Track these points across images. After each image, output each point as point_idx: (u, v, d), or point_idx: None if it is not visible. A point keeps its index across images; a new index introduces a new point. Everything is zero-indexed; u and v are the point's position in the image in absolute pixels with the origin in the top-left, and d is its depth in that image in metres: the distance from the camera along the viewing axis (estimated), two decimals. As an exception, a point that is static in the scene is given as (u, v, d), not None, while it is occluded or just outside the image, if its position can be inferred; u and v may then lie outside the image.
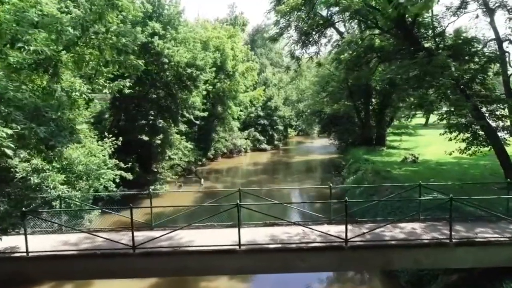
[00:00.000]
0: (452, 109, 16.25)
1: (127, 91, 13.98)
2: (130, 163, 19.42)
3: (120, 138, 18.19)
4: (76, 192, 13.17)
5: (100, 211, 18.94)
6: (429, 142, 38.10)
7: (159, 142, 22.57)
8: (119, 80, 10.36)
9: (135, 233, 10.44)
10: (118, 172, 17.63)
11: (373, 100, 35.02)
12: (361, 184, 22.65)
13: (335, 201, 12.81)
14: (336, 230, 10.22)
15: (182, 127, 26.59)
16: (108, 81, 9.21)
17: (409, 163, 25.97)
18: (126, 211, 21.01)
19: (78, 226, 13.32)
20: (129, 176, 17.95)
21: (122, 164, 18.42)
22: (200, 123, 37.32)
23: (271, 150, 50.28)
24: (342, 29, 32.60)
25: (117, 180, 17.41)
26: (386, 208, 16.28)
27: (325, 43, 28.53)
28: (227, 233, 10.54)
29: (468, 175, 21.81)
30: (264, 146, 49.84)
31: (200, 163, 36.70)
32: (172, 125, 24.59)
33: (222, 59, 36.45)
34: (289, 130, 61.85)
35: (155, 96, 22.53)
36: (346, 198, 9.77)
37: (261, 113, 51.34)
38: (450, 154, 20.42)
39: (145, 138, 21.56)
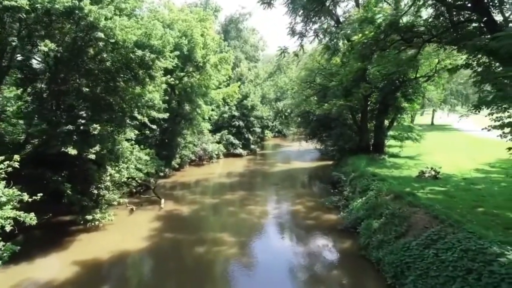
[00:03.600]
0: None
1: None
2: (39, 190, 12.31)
3: (17, 157, 11.16)
4: None
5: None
6: (431, 149, 33.02)
7: (93, 156, 15.45)
8: None
9: None
10: (12, 214, 10.60)
11: (372, 99, 29.34)
12: (379, 212, 16.67)
13: None
14: None
15: (132, 133, 19.56)
16: None
17: (429, 180, 20.37)
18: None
19: None
20: (31, 219, 10.93)
21: (25, 196, 11.39)
22: (162, 125, 30.38)
23: (247, 156, 43.83)
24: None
25: (7, 228, 10.39)
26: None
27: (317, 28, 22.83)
28: None
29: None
30: (239, 151, 43.28)
31: (162, 174, 29.65)
32: (117, 131, 17.55)
33: (190, 47, 29.60)
34: (266, 131, 55.57)
35: (88, 89, 15.41)
36: None
37: (236, 113, 44.70)
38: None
39: (72, 151, 14.43)
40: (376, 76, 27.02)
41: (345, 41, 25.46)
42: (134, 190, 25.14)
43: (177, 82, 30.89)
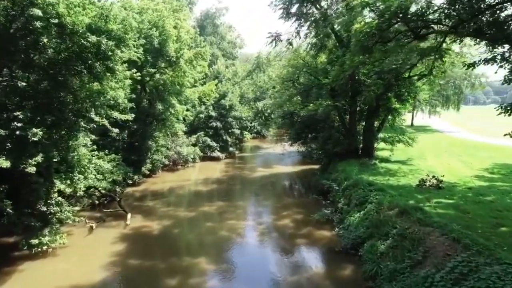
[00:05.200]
0: None
1: None
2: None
3: None
4: None
5: None
6: (420, 152, 31.24)
7: (33, 168, 12.22)
8: None
9: None
10: None
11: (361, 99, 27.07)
12: (383, 231, 14.26)
13: None
14: None
15: (88, 138, 16.30)
16: None
17: (432, 190, 18.20)
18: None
19: None
20: None
21: None
22: (131, 127, 27.10)
23: (225, 159, 40.90)
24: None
25: None
26: None
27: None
28: None
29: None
30: (216, 154, 40.29)
31: (131, 182, 26.39)
32: (68, 136, 14.30)
33: (162, 39, 26.49)
34: (245, 133, 52.73)
35: (25, 84, 12.13)
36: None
37: (213, 113, 41.66)
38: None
39: (4, 163, 11.20)
40: (365, 74, 24.92)
41: (333, 36, 23.26)
42: (97, 202, 21.84)
43: (148, 79, 27.73)
